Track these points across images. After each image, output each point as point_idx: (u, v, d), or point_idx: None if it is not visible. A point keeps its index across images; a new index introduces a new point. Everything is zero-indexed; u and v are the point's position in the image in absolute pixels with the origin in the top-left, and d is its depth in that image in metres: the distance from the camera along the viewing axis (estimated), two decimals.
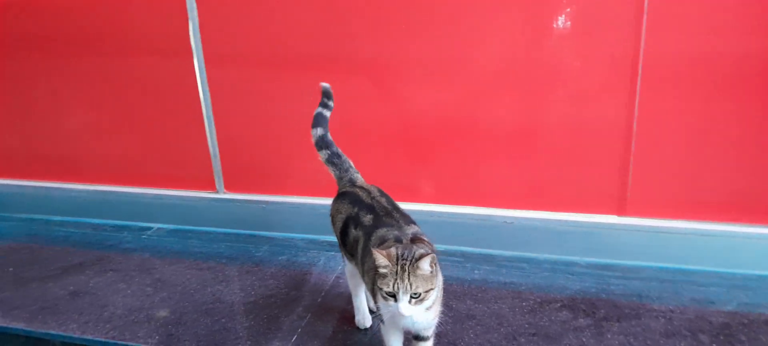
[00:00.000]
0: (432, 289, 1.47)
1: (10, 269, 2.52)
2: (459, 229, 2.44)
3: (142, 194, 2.86)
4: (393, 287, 1.44)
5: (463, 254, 2.42)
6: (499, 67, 2.24)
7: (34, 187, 3.04)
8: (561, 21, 2.13)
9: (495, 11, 2.17)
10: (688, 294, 2.07)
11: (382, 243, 1.58)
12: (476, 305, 2.07)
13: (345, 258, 1.87)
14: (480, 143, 2.35)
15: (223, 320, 2.08)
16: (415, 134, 2.42)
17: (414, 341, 1.63)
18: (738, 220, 2.18)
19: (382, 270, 1.46)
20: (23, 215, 3.05)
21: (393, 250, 1.47)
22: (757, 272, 2.16)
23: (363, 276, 1.71)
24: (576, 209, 2.33)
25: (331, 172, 1.98)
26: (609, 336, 1.85)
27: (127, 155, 2.85)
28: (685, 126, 2.13)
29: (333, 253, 2.48)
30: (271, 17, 2.41)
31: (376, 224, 1.67)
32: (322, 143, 1.97)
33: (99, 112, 2.81)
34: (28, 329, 2.08)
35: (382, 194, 1.81)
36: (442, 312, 1.62)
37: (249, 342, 1.93)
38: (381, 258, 1.45)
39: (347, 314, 2.02)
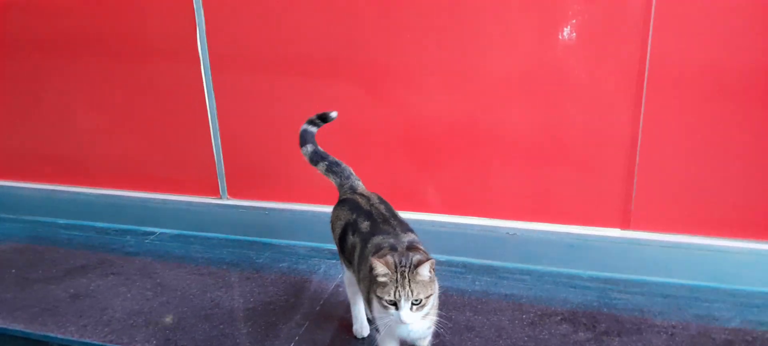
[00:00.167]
0: (431, 294, 1.49)
1: (13, 270, 2.54)
2: (461, 239, 2.42)
3: (146, 198, 2.87)
4: (394, 294, 1.44)
5: (464, 265, 2.40)
6: (505, 78, 2.23)
7: (40, 189, 3.06)
8: (567, 33, 2.12)
9: (502, 21, 2.17)
10: (692, 310, 2.04)
11: (377, 251, 1.57)
12: (476, 317, 2.05)
13: (344, 265, 1.87)
14: (485, 154, 2.34)
15: (221, 325, 2.07)
16: (421, 143, 2.41)
17: None
18: (744, 236, 2.15)
19: (381, 279, 1.46)
20: (29, 217, 3.07)
21: (390, 258, 1.47)
22: (763, 289, 2.12)
23: (359, 283, 1.71)
24: (580, 221, 2.31)
25: (332, 181, 1.98)
26: None
27: (132, 159, 2.87)
28: (691, 140, 2.11)
29: (334, 261, 2.47)
30: (277, 25, 2.42)
31: (373, 231, 1.67)
32: (316, 158, 1.97)
33: (106, 115, 2.82)
34: (27, 330, 2.10)
35: (381, 201, 1.81)
36: (442, 322, 1.62)
37: None
38: (380, 267, 1.45)
39: (345, 323, 2.01)
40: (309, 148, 1.98)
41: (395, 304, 1.45)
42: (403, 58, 2.31)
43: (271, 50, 2.47)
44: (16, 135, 3.03)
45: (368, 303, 1.63)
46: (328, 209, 1.93)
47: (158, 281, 2.40)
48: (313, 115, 2.02)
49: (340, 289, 2.25)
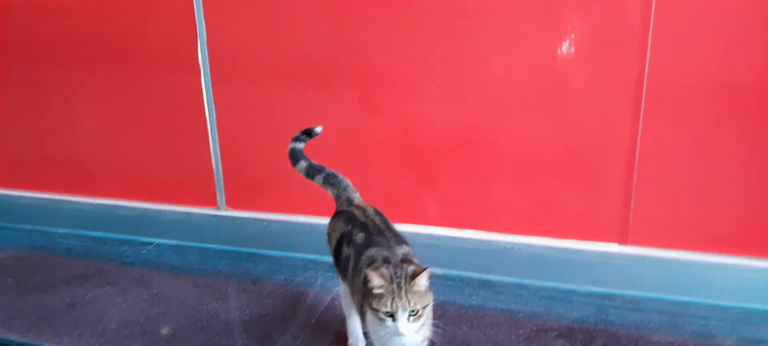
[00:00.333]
0: (427, 305, 1.49)
1: (10, 278, 2.54)
2: (458, 253, 2.42)
3: (145, 208, 2.87)
4: (391, 306, 1.44)
5: (461, 279, 2.39)
6: (504, 92, 2.24)
7: (38, 198, 3.06)
8: (566, 47, 2.12)
9: (501, 34, 2.18)
10: (689, 327, 2.03)
11: (371, 263, 1.57)
12: (472, 331, 2.04)
13: (340, 278, 1.86)
14: (483, 167, 2.35)
15: (217, 337, 2.07)
16: (419, 154, 2.41)
17: None
18: (742, 252, 2.14)
19: (377, 291, 1.46)
20: (28, 226, 3.07)
21: (385, 270, 1.48)
22: (760, 307, 2.11)
23: (352, 296, 1.71)
24: (577, 236, 2.31)
25: (329, 192, 1.98)
26: None
27: (131, 168, 2.87)
28: (689, 155, 2.11)
29: (331, 273, 2.46)
30: (278, 35, 2.43)
31: (368, 242, 1.67)
32: (311, 171, 1.97)
33: (105, 124, 2.83)
34: (23, 340, 2.09)
35: (377, 213, 1.81)
36: (437, 340, 1.61)
37: None
38: (376, 279, 1.46)
39: (341, 336, 2.00)
40: (303, 164, 1.98)
41: (392, 315, 1.45)
42: (402, 70, 2.32)
43: (271, 60, 2.48)
44: (14, 143, 3.04)
45: (362, 316, 1.63)
46: (327, 220, 1.93)
47: (155, 291, 2.40)
48: (297, 132, 2.02)
49: (337, 302, 2.25)
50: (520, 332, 2.03)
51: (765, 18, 1.93)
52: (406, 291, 1.45)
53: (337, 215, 1.88)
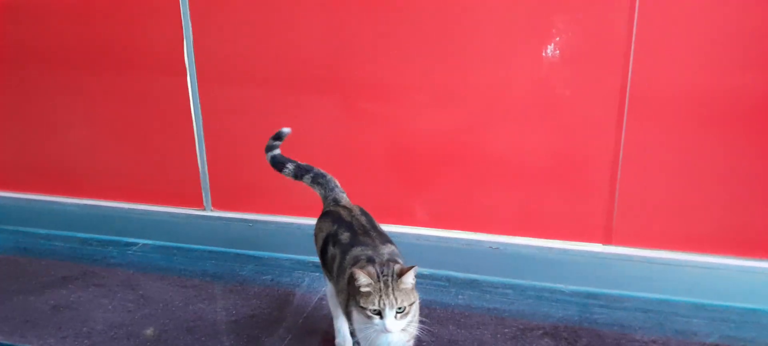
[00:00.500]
0: (414, 302, 1.51)
1: None
2: (445, 253, 2.44)
3: (130, 209, 2.86)
4: (379, 303, 1.46)
5: (448, 279, 2.41)
6: (491, 97, 2.26)
7: (21, 199, 3.03)
8: (550, 55, 2.15)
9: (488, 42, 2.20)
10: (671, 325, 2.06)
11: (355, 263, 1.59)
12: (459, 331, 2.06)
13: (327, 278, 1.87)
14: (469, 169, 2.36)
15: (204, 338, 2.06)
16: (406, 157, 2.43)
17: None
18: (723, 252, 2.18)
19: (364, 289, 1.48)
20: (10, 227, 3.04)
21: (372, 268, 1.50)
22: (740, 305, 2.16)
23: (337, 296, 1.71)
24: (562, 236, 2.34)
25: (317, 192, 1.99)
26: None
27: (115, 169, 2.85)
28: (670, 158, 2.15)
29: (317, 274, 2.47)
30: (265, 38, 2.43)
31: (352, 242, 1.68)
32: (299, 172, 1.97)
33: (89, 125, 2.81)
34: (7, 342, 2.07)
35: (363, 212, 1.82)
36: (424, 338, 1.62)
37: None
38: (363, 277, 1.47)
39: (328, 336, 2.01)
40: (290, 167, 1.97)
41: (379, 313, 1.46)
42: (391, 75, 2.33)
43: (257, 63, 2.48)
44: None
45: (347, 316, 1.64)
46: (312, 221, 1.93)
47: (141, 292, 2.39)
48: (269, 141, 2.01)
49: (324, 302, 2.25)
50: (506, 331, 2.05)
51: (742, 28, 1.98)
52: (393, 289, 1.46)
53: (323, 216, 1.89)
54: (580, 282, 2.30)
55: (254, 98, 2.52)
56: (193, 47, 2.52)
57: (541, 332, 2.04)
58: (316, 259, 1.93)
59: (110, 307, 2.28)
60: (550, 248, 2.33)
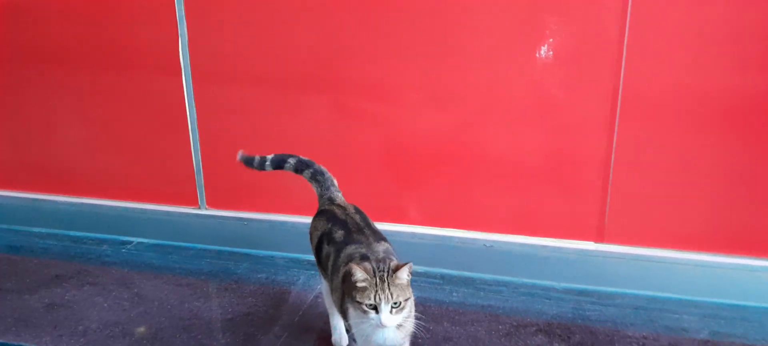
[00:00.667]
0: (409, 298, 1.53)
1: None
2: (440, 251, 2.46)
3: (125, 207, 2.85)
4: (374, 298, 1.48)
5: (442, 276, 2.43)
6: (485, 97, 2.28)
7: (15, 197, 3.02)
8: (544, 54, 2.18)
9: (482, 43, 2.22)
10: (662, 322, 2.09)
11: (349, 261, 1.61)
12: (453, 328, 2.08)
13: (322, 276, 1.88)
14: (463, 168, 2.38)
15: (200, 336, 2.07)
16: (401, 157, 2.44)
17: None
18: (712, 249, 2.22)
19: (360, 284, 1.50)
20: (3, 226, 3.02)
21: (368, 264, 1.52)
22: (730, 302, 2.19)
23: (332, 293, 1.73)
24: (555, 234, 2.36)
25: (314, 189, 2.00)
26: None
27: (110, 169, 2.84)
28: (662, 158, 2.18)
29: (313, 272, 2.48)
30: (260, 37, 2.43)
31: (347, 240, 1.70)
32: (300, 166, 1.99)
33: (84, 123, 2.80)
34: (2, 341, 2.06)
35: (358, 211, 1.84)
36: (420, 335, 1.64)
37: None
38: (359, 272, 1.49)
39: (324, 334, 2.02)
40: (291, 161, 1.99)
41: (375, 308, 1.48)
42: (385, 76, 2.35)
43: (252, 62, 2.48)
44: None
45: (343, 313, 1.65)
46: (307, 219, 1.95)
47: (136, 291, 2.39)
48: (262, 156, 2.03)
49: (319, 300, 2.26)
50: (500, 327, 2.08)
51: (733, 29, 2.01)
52: (388, 284, 1.48)
53: (318, 215, 1.90)
54: (572, 279, 2.33)
55: (249, 97, 2.53)
56: (188, 46, 2.52)
57: (534, 328, 2.07)
58: (311, 257, 1.94)
59: (105, 305, 2.28)
60: (544, 246, 2.36)
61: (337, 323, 1.96)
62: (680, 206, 2.21)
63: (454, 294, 2.31)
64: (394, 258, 1.61)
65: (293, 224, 2.60)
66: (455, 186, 2.42)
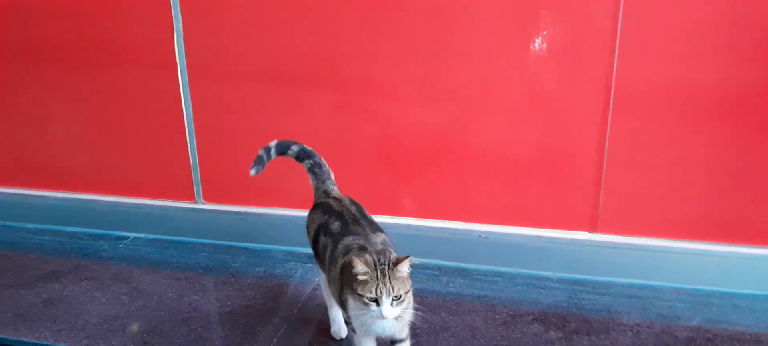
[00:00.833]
0: (409, 290, 1.55)
1: None
2: (435, 243, 2.48)
3: (121, 202, 2.86)
4: (376, 291, 1.49)
5: (439, 268, 2.45)
6: (479, 90, 2.30)
7: (11, 193, 3.01)
8: (538, 48, 2.20)
9: (476, 36, 2.23)
10: (655, 309, 2.13)
11: (347, 252, 1.62)
12: (451, 318, 2.10)
13: (320, 269, 1.90)
14: (458, 160, 2.41)
15: (199, 329, 2.08)
16: (396, 150, 2.46)
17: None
18: (703, 238, 2.25)
19: (361, 277, 1.51)
20: None
21: (369, 257, 1.52)
22: (720, 289, 2.23)
23: (330, 285, 1.74)
24: (550, 225, 2.39)
25: (310, 180, 2.02)
26: None
27: (107, 164, 2.85)
28: (654, 148, 2.21)
29: (310, 265, 2.50)
30: (255, 33, 2.44)
31: (343, 232, 1.72)
32: (302, 155, 2.00)
33: (79, 119, 2.80)
34: (0, 336, 2.07)
35: (353, 203, 1.86)
36: (418, 324, 1.65)
37: None
38: (360, 265, 1.50)
39: (323, 325, 2.04)
40: (294, 148, 2.00)
41: (376, 300, 1.50)
42: (380, 69, 2.36)
43: (248, 58, 2.49)
44: None
45: (341, 304, 1.67)
46: (304, 213, 1.96)
47: (134, 285, 2.39)
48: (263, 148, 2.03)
49: (318, 292, 2.28)
50: (497, 317, 2.10)
51: (725, 22, 2.04)
52: (389, 277, 1.49)
53: (314, 208, 1.92)
54: (567, 269, 2.36)
55: (245, 92, 2.53)
56: (184, 42, 2.52)
57: (530, 318, 2.10)
58: (309, 250, 1.96)
59: (104, 300, 2.29)
60: (538, 237, 2.39)
61: (336, 315, 1.97)
62: (672, 197, 2.25)
63: (451, 285, 2.33)
64: (392, 249, 1.63)
65: (290, 218, 2.61)
66: (450, 179, 2.44)
